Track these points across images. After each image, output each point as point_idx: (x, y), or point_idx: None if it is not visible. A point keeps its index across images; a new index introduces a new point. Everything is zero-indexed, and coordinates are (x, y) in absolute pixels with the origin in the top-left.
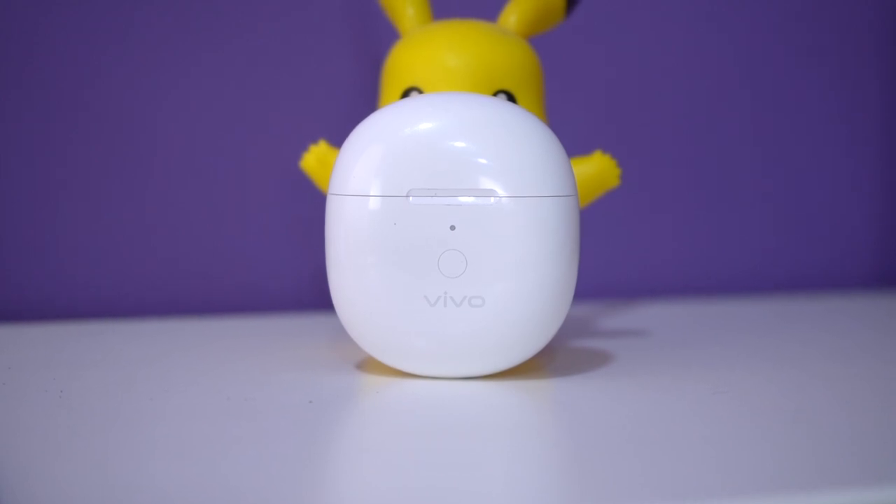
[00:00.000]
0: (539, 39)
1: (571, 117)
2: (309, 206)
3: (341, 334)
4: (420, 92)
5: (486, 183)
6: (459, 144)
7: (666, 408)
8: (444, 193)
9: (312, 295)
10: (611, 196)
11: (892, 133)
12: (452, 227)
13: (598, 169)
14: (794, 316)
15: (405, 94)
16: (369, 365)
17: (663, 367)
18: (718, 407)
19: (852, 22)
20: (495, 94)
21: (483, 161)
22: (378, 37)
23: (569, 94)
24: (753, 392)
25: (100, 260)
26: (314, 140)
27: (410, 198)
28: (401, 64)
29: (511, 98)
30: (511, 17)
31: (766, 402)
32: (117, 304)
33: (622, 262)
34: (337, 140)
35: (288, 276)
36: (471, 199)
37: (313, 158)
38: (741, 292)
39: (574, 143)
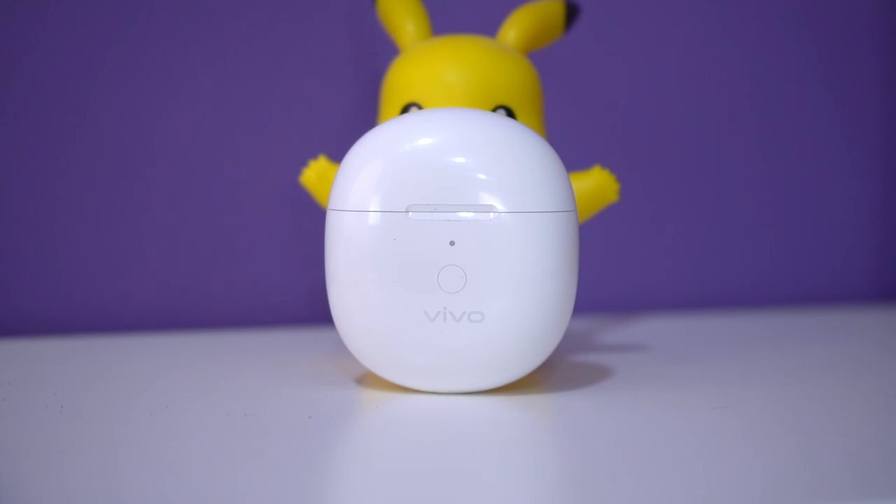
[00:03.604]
0: (538, 55)
1: (570, 132)
2: (308, 221)
3: (341, 349)
4: (419, 107)
5: (486, 198)
6: (459, 160)
7: (665, 423)
8: (444, 209)
9: (312, 310)
10: (610, 211)
11: (892, 146)
12: (452, 243)
13: (597, 184)
14: (794, 330)
15: (405, 109)
16: (369, 380)
17: (663, 382)
18: (718, 422)
19: (852, 31)
20: (494, 109)
21: (482, 176)
22: (378, 52)
23: (568, 109)
24: (753, 407)
25: (99, 274)
26: (314, 155)
27: (410, 213)
28: (400, 79)
29: (510, 113)
30: (510, 33)
31: (766, 417)
32: (117, 319)
33: (621, 277)
34: (336, 155)
35: (287, 290)
36: (470, 215)
37: (313, 174)
38: (741, 306)
39: (573, 159)
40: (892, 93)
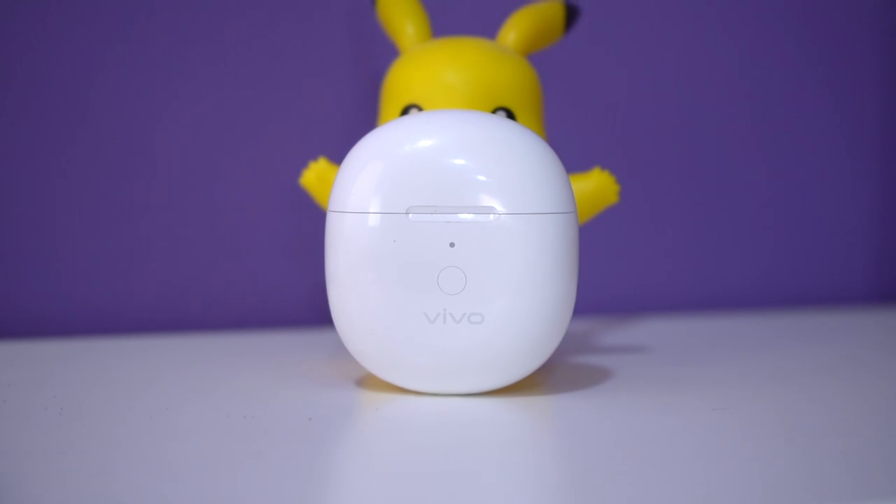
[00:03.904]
0: (538, 56)
1: (570, 134)
2: (308, 222)
3: (341, 351)
4: (419, 109)
5: (486, 200)
6: (459, 162)
7: (665, 424)
8: (444, 210)
9: (312, 311)
10: (610, 212)
11: (892, 147)
12: (452, 244)
13: (597, 186)
14: (794, 331)
15: (404, 111)
16: (369, 381)
17: (663, 384)
18: (718, 424)
19: (852, 31)
20: (494, 111)
21: (482, 178)
22: (378, 53)
23: (568, 110)
24: (752, 409)
25: (99, 275)
26: (314, 156)
27: (410, 215)
28: (400, 81)
29: (510, 115)
30: (510, 35)
31: (766, 418)
32: (117, 321)
33: (621, 279)
34: (337, 157)
35: (287, 291)
36: (470, 217)
37: (313, 175)
38: (741, 308)
39: (573, 160)
40: (892, 93)
